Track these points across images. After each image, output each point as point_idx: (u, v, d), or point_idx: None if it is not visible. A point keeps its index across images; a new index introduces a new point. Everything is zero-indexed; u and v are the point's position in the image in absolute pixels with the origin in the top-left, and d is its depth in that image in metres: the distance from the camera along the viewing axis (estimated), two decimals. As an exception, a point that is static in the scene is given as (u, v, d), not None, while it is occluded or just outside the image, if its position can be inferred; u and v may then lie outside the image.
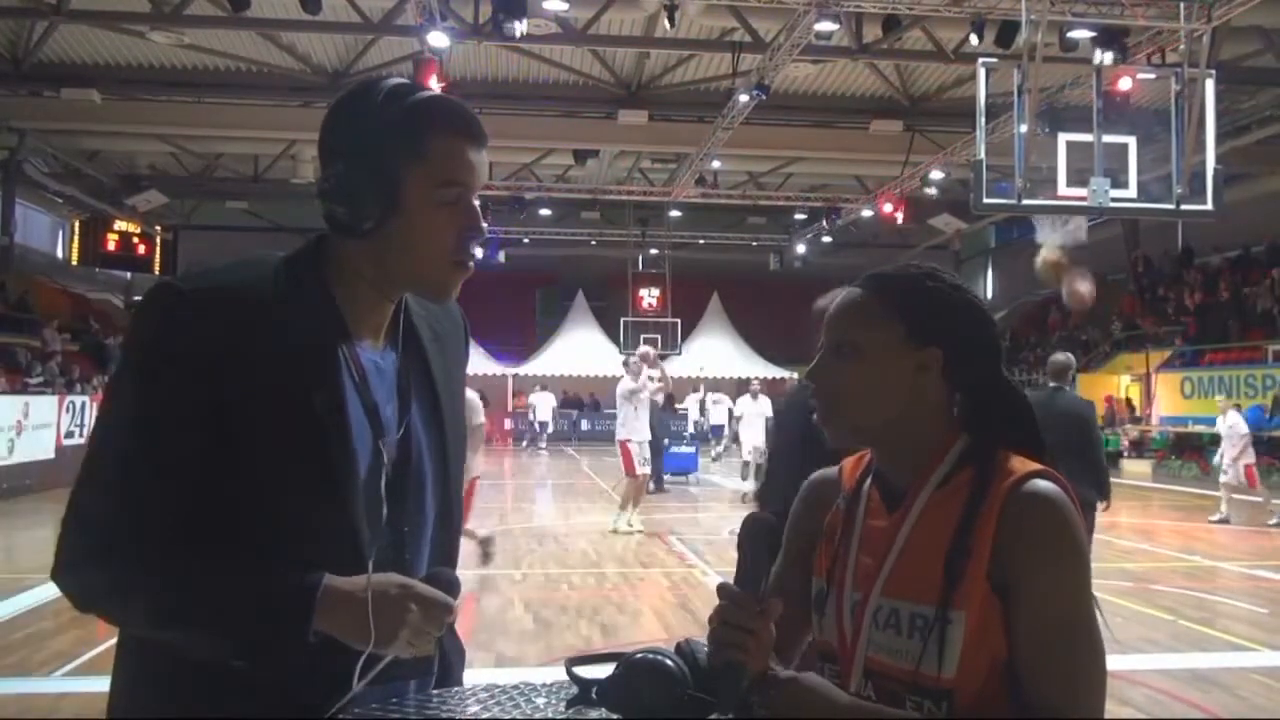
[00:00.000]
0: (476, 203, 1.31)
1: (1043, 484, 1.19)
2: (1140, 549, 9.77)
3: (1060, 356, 6.21)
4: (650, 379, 10.72)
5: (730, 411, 18.29)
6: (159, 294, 1.23)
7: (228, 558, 1.19)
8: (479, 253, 1.35)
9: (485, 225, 1.33)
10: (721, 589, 1.17)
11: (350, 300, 1.30)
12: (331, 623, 1.16)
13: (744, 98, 13.38)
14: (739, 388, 16.60)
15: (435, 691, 1.36)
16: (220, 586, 1.18)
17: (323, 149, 1.29)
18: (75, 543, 1.18)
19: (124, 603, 1.20)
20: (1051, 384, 6.04)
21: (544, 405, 25.80)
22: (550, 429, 25.98)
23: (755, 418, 13.90)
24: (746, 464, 14.20)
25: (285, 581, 1.17)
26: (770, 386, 23.77)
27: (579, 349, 28.08)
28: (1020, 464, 1.22)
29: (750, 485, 13.53)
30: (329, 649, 1.16)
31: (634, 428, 10.52)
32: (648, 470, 10.58)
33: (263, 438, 1.20)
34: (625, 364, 11.66)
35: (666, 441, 14.68)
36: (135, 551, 1.17)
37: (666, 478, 15.45)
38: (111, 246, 21.39)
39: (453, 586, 1.25)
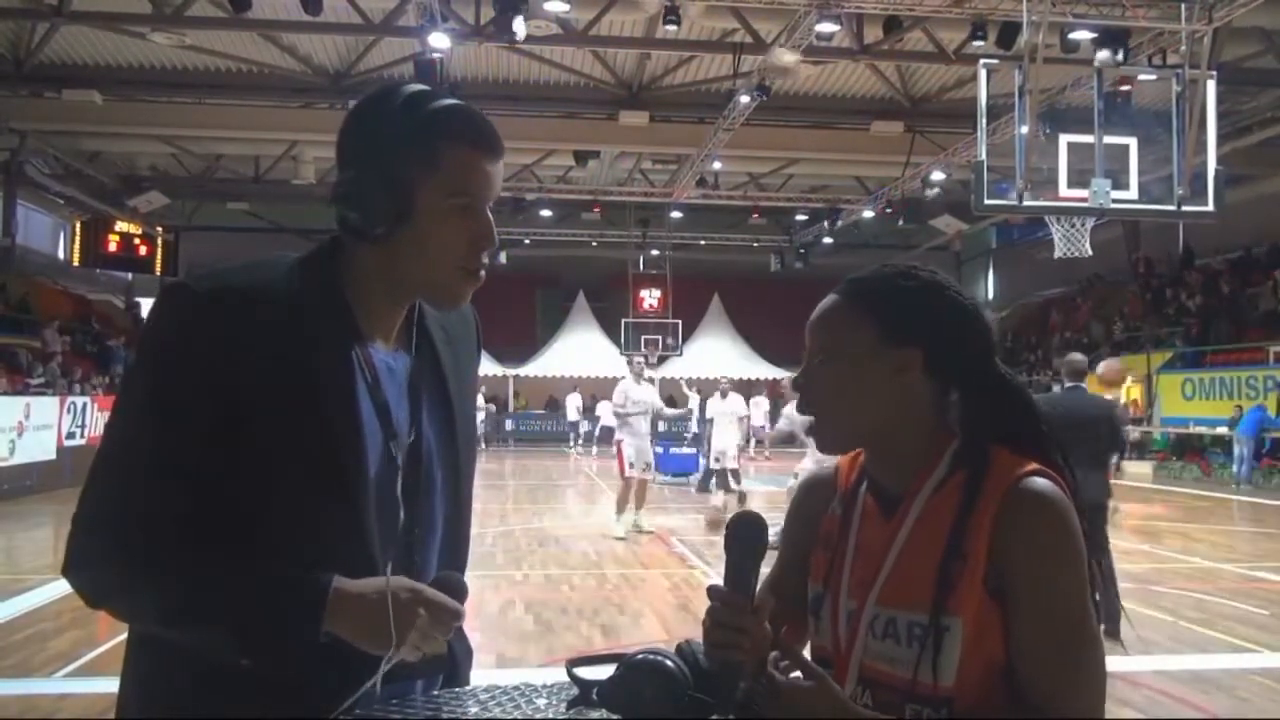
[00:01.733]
0: (489, 212, 1.31)
1: (1039, 483, 1.17)
2: (1140, 550, 9.75)
3: (1077, 356, 6.23)
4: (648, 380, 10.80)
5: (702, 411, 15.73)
6: (173, 293, 1.23)
7: (239, 557, 1.19)
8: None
9: (496, 235, 1.32)
10: (711, 591, 1.16)
11: (363, 302, 1.30)
12: (341, 624, 1.16)
13: (745, 99, 13.37)
14: (743, 389, 15.91)
15: (436, 692, 1.36)
16: (231, 585, 1.18)
17: (339, 153, 1.29)
18: (86, 540, 1.19)
19: (134, 600, 1.20)
20: (1068, 384, 6.09)
21: (571, 407, 26.63)
22: (579, 429, 26.64)
23: (724, 418, 12.65)
24: (713, 472, 12.74)
25: (296, 582, 1.17)
26: (770, 388, 23.79)
27: (580, 350, 28.08)
28: (1015, 462, 1.19)
29: (721, 499, 12.11)
30: (337, 650, 1.16)
31: (625, 429, 10.54)
32: (635, 473, 10.46)
33: (275, 438, 1.20)
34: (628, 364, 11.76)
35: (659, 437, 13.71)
36: (146, 549, 1.17)
37: (666, 478, 15.41)
38: (113, 247, 21.39)
39: (461, 591, 1.25)
